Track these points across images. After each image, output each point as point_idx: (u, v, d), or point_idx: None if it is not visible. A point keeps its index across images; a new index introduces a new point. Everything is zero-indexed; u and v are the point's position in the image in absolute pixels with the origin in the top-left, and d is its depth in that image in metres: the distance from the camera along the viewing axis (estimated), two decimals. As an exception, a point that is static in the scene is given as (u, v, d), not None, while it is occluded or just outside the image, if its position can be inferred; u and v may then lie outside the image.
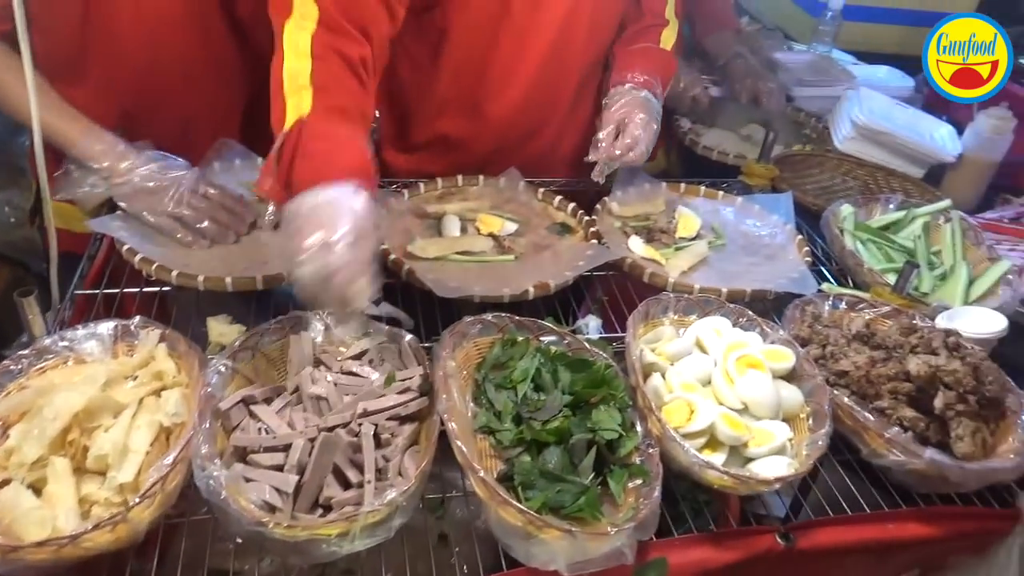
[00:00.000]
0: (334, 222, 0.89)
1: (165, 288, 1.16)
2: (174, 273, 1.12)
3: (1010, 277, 1.34)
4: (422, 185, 1.43)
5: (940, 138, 1.73)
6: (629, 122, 1.37)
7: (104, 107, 1.24)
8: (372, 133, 1.35)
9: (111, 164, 1.18)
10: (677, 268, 1.31)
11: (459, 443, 0.85)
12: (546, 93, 1.43)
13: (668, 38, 1.52)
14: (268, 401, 0.96)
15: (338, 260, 0.88)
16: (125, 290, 1.17)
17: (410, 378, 0.98)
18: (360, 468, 0.88)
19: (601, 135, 1.37)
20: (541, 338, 1.08)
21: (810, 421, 1.04)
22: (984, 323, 1.21)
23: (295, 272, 0.90)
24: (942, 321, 1.21)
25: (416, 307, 1.18)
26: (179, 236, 1.21)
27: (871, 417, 1.02)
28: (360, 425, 0.91)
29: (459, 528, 1.01)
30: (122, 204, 1.21)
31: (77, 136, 1.17)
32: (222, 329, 1.09)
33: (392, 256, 1.21)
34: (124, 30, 1.22)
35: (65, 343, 0.99)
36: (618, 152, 1.35)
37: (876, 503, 1.05)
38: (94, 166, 1.18)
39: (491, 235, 1.32)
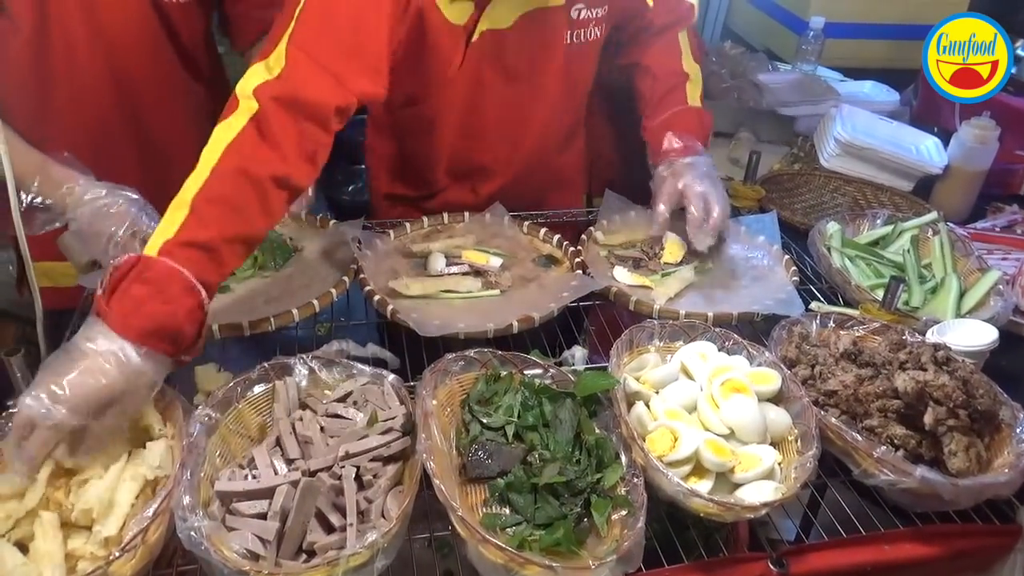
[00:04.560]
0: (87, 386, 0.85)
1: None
2: (162, 324, 1.15)
3: (1000, 287, 1.32)
4: (408, 225, 1.44)
5: (926, 150, 1.73)
6: (695, 196, 1.36)
7: (73, 136, 1.27)
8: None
9: (56, 201, 1.17)
10: (663, 295, 1.31)
11: (438, 482, 0.85)
12: (537, 141, 1.48)
13: (693, 92, 1.48)
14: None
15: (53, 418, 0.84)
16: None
17: (392, 418, 0.99)
18: (343, 511, 0.88)
19: (693, 214, 1.36)
20: (525, 372, 1.09)
21: (798, 443, 1.03)
22: (975, 335, 1.19)
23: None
24: (932, 335, 1.19)
25: (402, 346, 1.20)
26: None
27: (859, 437, 1.01)
28: (342, 468, 0.92)
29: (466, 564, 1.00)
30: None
31: (31, 172, 1.17)
32: (210, 377, 1.11)
33: (377, 297, 1.22)
34: (82, 56, 1.29)
35: (54, 399, 1.00)
36: (712, 232, 1.37)
37: (890, 524, 1.03)
38: (47, 202, 1.18)
39: (476, 271, 1.33)
